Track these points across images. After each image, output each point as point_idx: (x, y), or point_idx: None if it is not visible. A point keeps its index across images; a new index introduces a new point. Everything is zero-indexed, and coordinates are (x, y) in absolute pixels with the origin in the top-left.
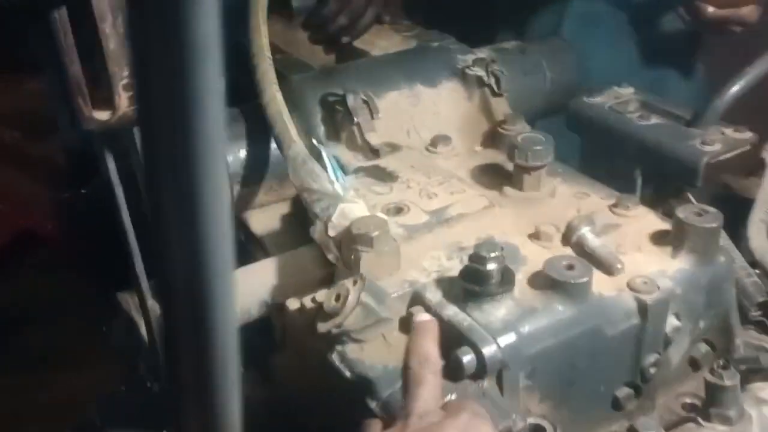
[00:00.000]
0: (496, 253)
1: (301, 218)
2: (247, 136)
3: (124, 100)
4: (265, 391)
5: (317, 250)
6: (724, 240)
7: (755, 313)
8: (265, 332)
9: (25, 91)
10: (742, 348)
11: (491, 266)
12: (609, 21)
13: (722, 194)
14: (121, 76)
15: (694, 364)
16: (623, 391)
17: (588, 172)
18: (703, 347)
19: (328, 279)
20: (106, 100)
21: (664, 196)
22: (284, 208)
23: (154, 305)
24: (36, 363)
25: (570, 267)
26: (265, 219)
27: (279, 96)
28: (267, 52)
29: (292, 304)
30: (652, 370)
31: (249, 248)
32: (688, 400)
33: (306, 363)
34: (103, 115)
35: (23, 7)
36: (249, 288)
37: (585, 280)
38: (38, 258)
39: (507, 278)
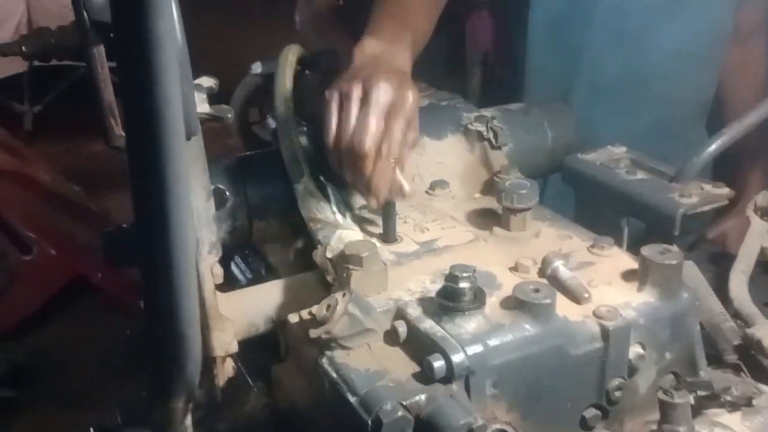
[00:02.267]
0: (468, 273)
1: (308, 249)
2: (266, 176)
3: None
4: (268, 401)
5: (320, 274)
6: (706, 290)
7: (731, 356)
8: (272, 348)
9: (87, 151)
10: None
11: (463, 284)
12: (618, 90)
13: (712, 251)
14: None
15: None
16: (590, 412)
17: (581, 221)
18: (670, 378)
19: None
20: None
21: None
22: (298, 242)
23: None
24: (75, 403)
25: (536, 290)
26: (280, 250)
27: (296, 140)
28: (289, 102)
29: (293, 318)
30: (617, 394)
31: (267, 278)
32: (655, 427)
33: (302, 369)
34: None
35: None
36: (257, 305)
37: (548, 301)
38: (90, 303)
39: (478, 297)
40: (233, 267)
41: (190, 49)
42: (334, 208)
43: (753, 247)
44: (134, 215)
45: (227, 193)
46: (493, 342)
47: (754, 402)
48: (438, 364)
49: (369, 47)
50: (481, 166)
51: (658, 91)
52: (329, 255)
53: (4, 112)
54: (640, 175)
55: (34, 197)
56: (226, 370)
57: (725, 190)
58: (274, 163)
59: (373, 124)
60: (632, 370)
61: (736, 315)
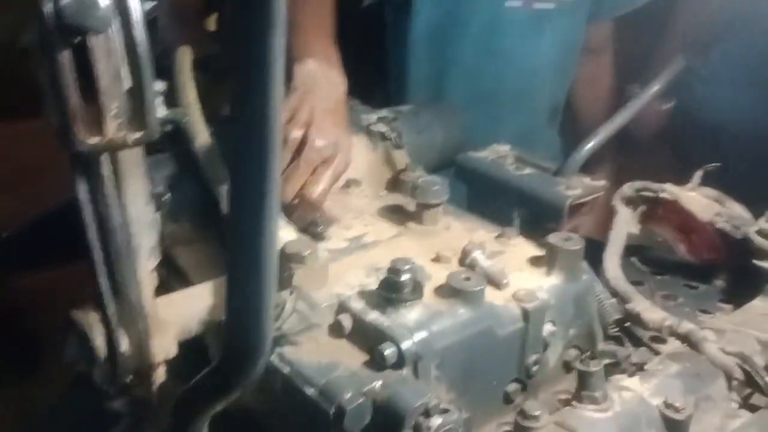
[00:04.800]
0: (409, 266)
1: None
2: (178, 178)
3: (112, 128)
4: None
5: None
6: (588, 272)
7: (613, 329)
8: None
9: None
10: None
11: (405, 277)
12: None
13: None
14: (110, 108)
15: (567, 367)
16: (512, 386)
17: (474, 211)
18: (573, 352)
19: None
20: (97, 128)
21: (538, 232)
22: (209, 245)
23: (115, 322)
24: None
25: (467, 279)
26: (191, 254)
27: (210, 141)
28: (196, 104)
29: None
30: (535, 368)
31: (171, 282)
32: (563, 396)
33: None
34: (94, 140)
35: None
36: (191, 308)
37: (480, 288)
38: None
39: (417, 288)
40: None
41: None
42: None
43: (621, 232)
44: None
45: (165, 195)
46: (435, 328)
47: (646, 367)
48: (389, 351)
49: (306, 69)
50: (384, 165)
51: (522, 99)
52: None
53: None
54: (528, 170)
55: None
56: (162, 374)
57: (602, 182)
58: (185, 164)
59: (301, 176)
60: (545, 346)
61: (613, 293)
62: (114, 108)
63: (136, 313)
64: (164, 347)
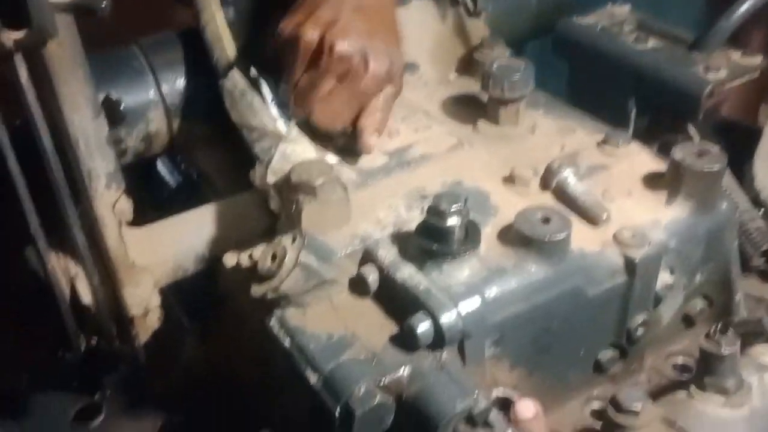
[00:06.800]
0: (458, 205)
1: (246, 161)
2: (186, 63)
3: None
4: (205, 352)
5: (260, 196)
6: (727, 178)
7: (758, 261)
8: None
9: None
10: (743, 304)
11: (452, 221)
12: None
13: (725, 124)
14: None
15: (688, 321)
16: (606, 354)
17: (576, 103)
18: (699, 303)
19: (273, 229)
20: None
21: (661, 130)
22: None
23: (54, 266)
24: None
25: (546, 220)
26: (211, 156)
27: (220, 16)
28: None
29: (229, 259)
30: (640, 331)
31: (201, 188)
32: (680, 361)
33: (244, 327)
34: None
35: None
36: (183, 241)
37: (563, 236)
38: None
39: (471, 235)
40: (159, 167)
41: None
42: (274, 112)
43: None
44: None
45: (123, 105)
46: (493, 293)
47: None
48: (423, 327)
49: None
50: (455, 39)
51: None
52: (271, 178)
53: None
54: (652, 42)
55: None
56: (150, 324)
57: (758, 59)
58: (192, 47)
59: (352, 108)
60: (657, 301)
61: (759, 207)
62: None
63: (102, 256)
64: (141, 300)
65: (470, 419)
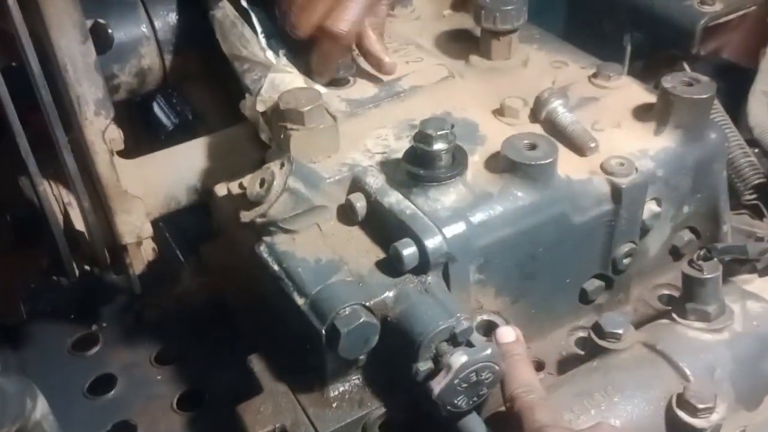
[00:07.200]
0: (445, 130)
1: (237, 93)
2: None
3: None
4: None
5: (252, 128)
6: (720, 115)
7: (749, 196)
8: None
9: None
10: (730, 236)
11: (438, 146)
12: None
13: (726, 67)
14: None
15: (675, 253)
16: (592, 284)
17: (571, 38)
18: (687, 234)
19: (264, 161)
20: None
21: (657, 66)
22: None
23: (47, 191)
24: None
25: (532, 146)
26: (204, 92)
27: None
28: None
29: (220, 190)
30: (626, 261)
31: (195, 124)
32: (666, 292)
33: (236, 255)
34: None
35: None
36: (175, 172)
37: (549, 161)
38: None
39: (458, 160)
40: (156, 109)
41: None
42: (263, 42)
43: None
44: None
45: (110, 30)
46: (478, 218)
47: None
48: (408, 251)
49: None
50: None
51: None
52: (260, 107)
53: None
54: None
55: None
56: (144, 254)
57: None
58: None
59: (356, 12)
60: (644, 232)
61: (755, 145)
62: None
63: (94, 183)
64: (133, 227)
65: (453, 338)
